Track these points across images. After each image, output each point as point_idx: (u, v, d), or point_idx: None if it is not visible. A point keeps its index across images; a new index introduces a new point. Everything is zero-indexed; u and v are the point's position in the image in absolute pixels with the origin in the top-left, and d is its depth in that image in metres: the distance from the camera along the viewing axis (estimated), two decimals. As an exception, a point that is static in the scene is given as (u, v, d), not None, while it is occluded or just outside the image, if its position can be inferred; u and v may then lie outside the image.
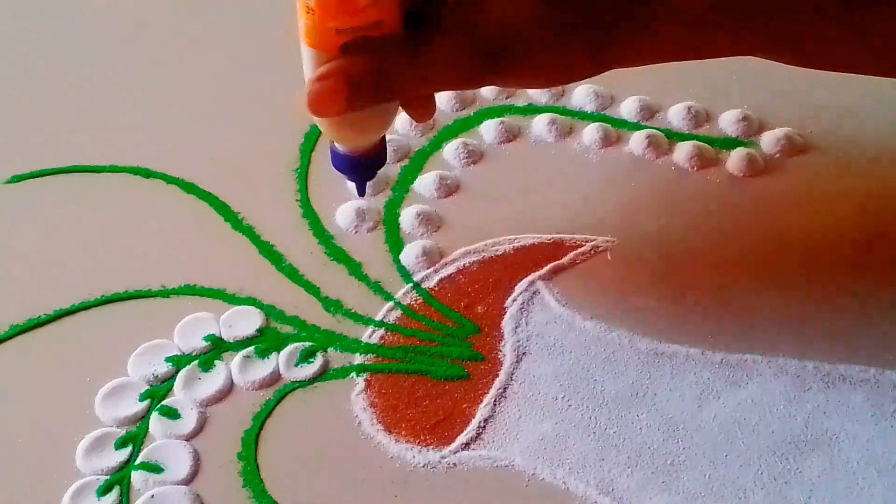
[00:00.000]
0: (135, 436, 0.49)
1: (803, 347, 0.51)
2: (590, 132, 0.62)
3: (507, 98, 0.65)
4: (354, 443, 0.48)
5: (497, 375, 0.51)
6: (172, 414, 0.50)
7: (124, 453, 0.48)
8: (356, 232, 0.58)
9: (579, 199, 0.59)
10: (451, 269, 0.56)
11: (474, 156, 0.62)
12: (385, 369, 0.51)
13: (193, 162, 0.62)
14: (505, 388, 0.50)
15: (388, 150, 0.62)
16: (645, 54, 0.47)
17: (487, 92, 0.65)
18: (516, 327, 0.53)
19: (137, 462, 0.48)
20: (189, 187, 0.61)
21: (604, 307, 0.53)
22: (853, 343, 0.51)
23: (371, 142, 0.48)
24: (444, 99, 0.65)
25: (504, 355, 0.51)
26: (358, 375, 0.51)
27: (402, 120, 0.63)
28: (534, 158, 0.61)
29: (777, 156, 0.61)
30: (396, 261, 0.56)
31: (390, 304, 0.54)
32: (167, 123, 0.65)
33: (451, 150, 0.62)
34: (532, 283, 0.54)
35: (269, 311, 0.54)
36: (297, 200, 0.60)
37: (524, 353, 0.51)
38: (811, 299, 0.53)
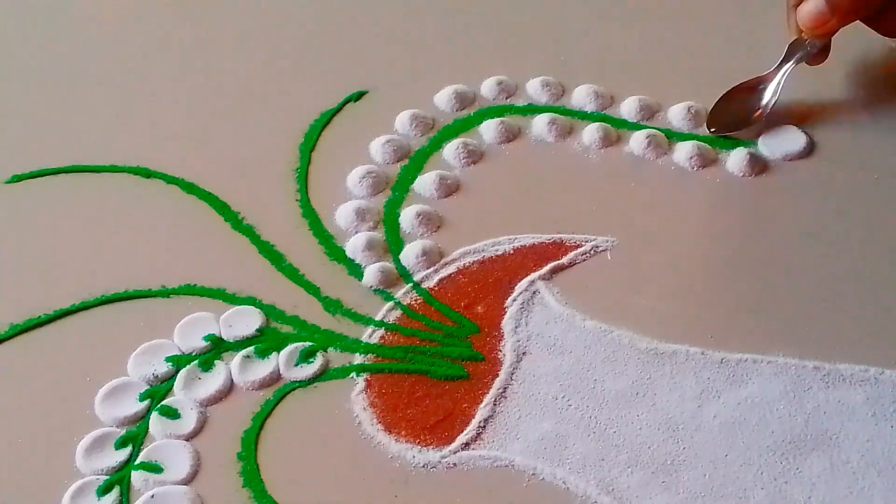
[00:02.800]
0: (135, 436, 0.49)
1: (803, 347, 0.51)
2: (590, 132, 0.62)
3: (506, 98, 0.65)
4: (354, 443, 0.48)
5: (497, 375, 0.51)
6: (172, 414, 0.50)
7: (124, 453, 0.48)
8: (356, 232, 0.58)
9: (579, 199, 0.59)
10: (451, 269, 0.56)
11: (474, 156, 0.62)
12: (385, 369, 0.51)
13: (193, 162, 0.62)
14: (505, 388, 0.50)
15: (388, 151, 0.62)
16: None
17: (487, 91, 0.65)
18: (516, 327, 0.53)
19: (137, 462, 0.48)
20: (189, 187, 0.61)
21: (604, 307, 0.53)
22: (853, 343, 0.51)
23: None
24: (444, 99, 0.65)
25: (504, 355, 0.51)
26: (358, 375, 0.51)
27: (401, 120, 0.63)
28: (534, 158, 0.61)
29: (777, 156, 0.61)
30: (396, 261, 0.56)
31: (390, 304, 0.54)
32: (167, 123, 0.65)
33: (451, 150, 0.62)
34: (532, 283, 0.54)
35: (269, 311, 0.54)
36: (297, 200, 0.60)
37: (524, 353, 0.51)
38: (811, 299, 0.53)
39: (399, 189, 0.60)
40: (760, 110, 0.61)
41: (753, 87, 0.62)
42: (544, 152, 0.62)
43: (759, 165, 0.60)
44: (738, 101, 0.62)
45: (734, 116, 0.61)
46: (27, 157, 0.63)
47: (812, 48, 0.61)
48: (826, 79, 0.65)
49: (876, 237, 0.56)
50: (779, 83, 0.61)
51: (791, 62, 0.61)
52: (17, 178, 0.62)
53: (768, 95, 0.61)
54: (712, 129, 0.61)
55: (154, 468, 0.48)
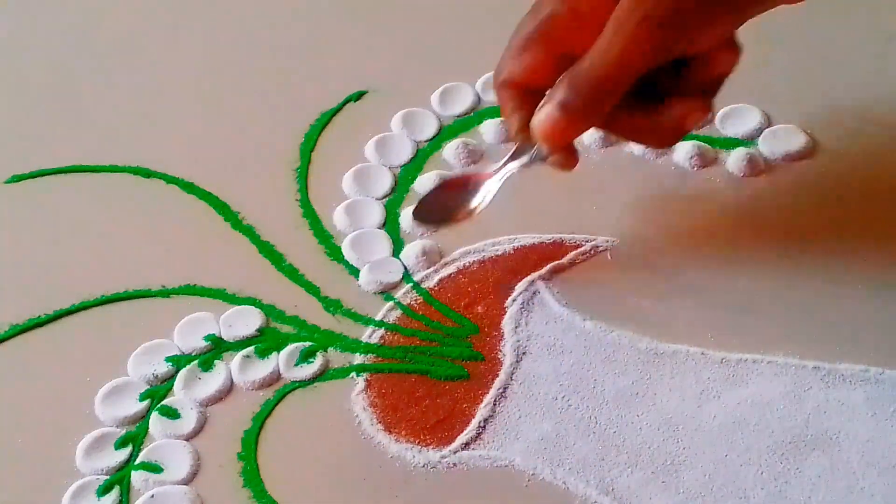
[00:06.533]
0: (135, 436, 0.49)
1: (803, 347, 0.51)
2: (590, 132, 0.62)
3: (507, 98, 0.65)
4: (354, 443, 0.48)
5: (497, 375, 0.51)
6: (172, 414, 0.50)
7: (124, 453, 0.49)
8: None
9: (579, 199, 0.59)
10: (451, 269, 0.56)
11: (474, 156, 0.62)
12: (385, 369, 0.51)
13: (193, 162, 0.62)
14: (505, 388, 0.50)
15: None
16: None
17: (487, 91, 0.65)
18: (516, 327, 0.53)
19: (137, 462, 0.48)
20: (189, 187, 0.61)
21: (604, 307, 0.53)
22: (853, 343, 0.51)
23: None
24: (443, 99, 0.65)
25: (504, 355, 0.51)
26: (358, 375, 0.51)
27: (399, 119, 0.63)
28: (534, 158, 0.61)
29: (777, 156, 0.61)
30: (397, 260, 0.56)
31: (390, 304, 0.54)
32: (167, 123, 0.65)
33: (451, 150, 0.62)
34: (532, 283, 0.54)
35: (269, 311, 0.54)
36: (297, 200, 0.60)
37: (524, 353, 0.51)
38: (811, 299, 0.53)
39: (399, 189, 0.60)
40: (467, 211, 0.53)
41: (466, 183, 0.54)
42: (544, 152, 0.62)
43: (759, 165, 0.60)
44: (450, 195, 0.54)
45: (441, 211, 0.54)
46: (27, 157, 0.63)
47: (542, 153, 0.51)
48: (826, 78, 0.65)
49: (876, 237, 0.56)
50: (497, 184, 0.52)
51: (516, 163, 0.52)
52: (17, 178, 0.62)
53: (481, 196, 0.53)
54: (417, 220, 0.56)
55: (154, 468, 0.48)
